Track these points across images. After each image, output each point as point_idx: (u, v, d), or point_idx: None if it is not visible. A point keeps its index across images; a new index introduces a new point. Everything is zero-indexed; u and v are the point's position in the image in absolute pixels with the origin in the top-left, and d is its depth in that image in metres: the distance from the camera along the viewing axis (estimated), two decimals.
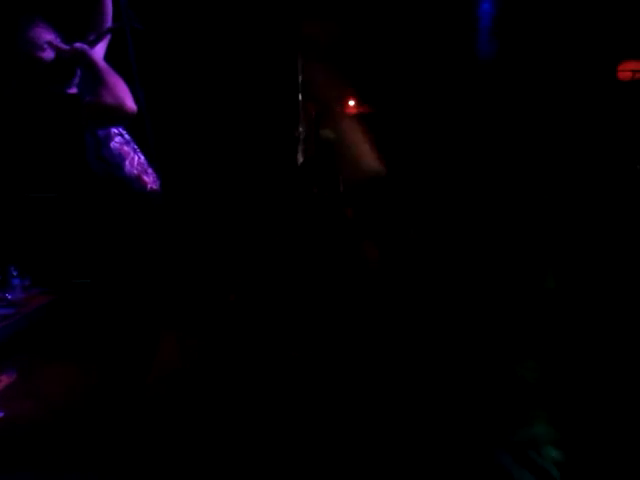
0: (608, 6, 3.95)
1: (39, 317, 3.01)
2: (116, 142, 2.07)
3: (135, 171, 2.10)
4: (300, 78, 4.46)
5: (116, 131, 2.09)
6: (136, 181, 2.09)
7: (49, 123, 1.97)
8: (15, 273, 3.23)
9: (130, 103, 1.93)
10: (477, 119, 4.45)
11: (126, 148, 2.11)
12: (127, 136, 2.18)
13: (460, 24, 4.54)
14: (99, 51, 2.08)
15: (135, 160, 2.12)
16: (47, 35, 1.99)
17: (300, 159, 4.56)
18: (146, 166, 2.17)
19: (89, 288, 2.21)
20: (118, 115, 1.94)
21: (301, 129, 4.59)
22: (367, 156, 4.19)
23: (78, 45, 1.98)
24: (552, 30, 4.10)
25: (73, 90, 2.07)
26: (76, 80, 2.06)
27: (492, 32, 4.36)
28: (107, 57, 2.15)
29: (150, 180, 2.15)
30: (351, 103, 4.78)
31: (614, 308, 3.14)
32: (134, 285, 2.13)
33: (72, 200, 2.17)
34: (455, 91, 4.61)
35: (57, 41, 2.00)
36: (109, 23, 2.12)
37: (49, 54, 1.98)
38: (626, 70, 4.11)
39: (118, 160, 2.05)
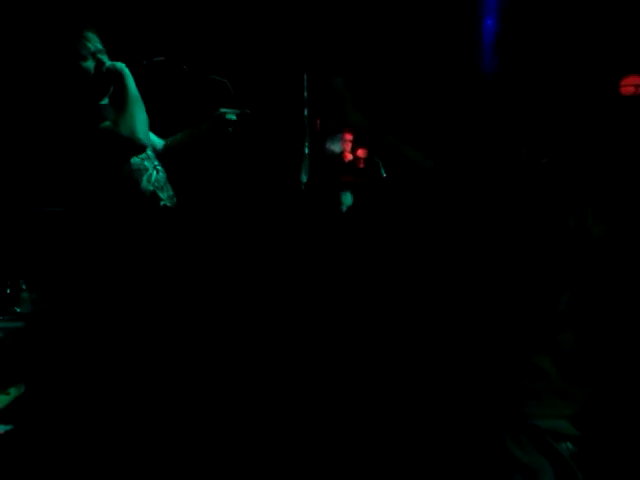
0: (610, 20, 3.98)
1: (46, 329, 3.05)
2: (137, 157, 2.09)
3: (151, 187, 2.11)
4: (306, 94, 4.50)
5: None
6: (150, 197, 2.10)
7: (74, 135, 1.99)
8: (24, 287, 3.28)
9: (144, 137, 1.96)
10: (481, 131, 4.47)
11: (146, 164, 2.13)
12: (150, 152, 2.19)
13: (464, 39, 4.57)
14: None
15: (153, 176, 2.14)
16: (94, 45, 2.02)
17: (306, 175, 4.59)
18: (163, 183, 2.18)
19: (96, 301, 2.24)
20: (129, 146, 1.97)
21: (307, 145, 4.63)
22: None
23: (120, 64, 2.01)
24: (554, 45, 4.13)
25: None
26: (106, 99, 2.08)
27: (495, 47, 4.40)
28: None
29: (165, 197, 2.17)
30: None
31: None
32: (139, 298, 2.15)
33: (82, 214, 2.20)
34: (460, 105, 4.65)
35: (101, 54, 2.03)
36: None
37: (90, 64, 2.00)
38: (628, 85, 4.14)
39: (136, 175, 2.07)
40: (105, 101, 2.10)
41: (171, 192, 2.24)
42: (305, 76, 4.65)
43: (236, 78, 4.02)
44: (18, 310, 3.16)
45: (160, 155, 2.33)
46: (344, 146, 5.01)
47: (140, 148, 1.98)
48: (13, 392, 2.68)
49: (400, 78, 4.66)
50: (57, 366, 2.84)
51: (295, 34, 4.48)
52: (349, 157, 5.01)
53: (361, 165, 4.96)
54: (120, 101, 1.99)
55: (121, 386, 2.18)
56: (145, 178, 2.10)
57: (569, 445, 1.66)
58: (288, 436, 2.33)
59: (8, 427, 2.41)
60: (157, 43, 3.82)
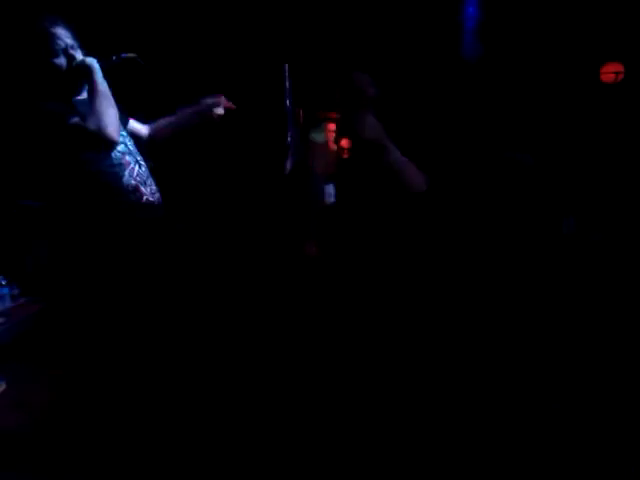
0: (590, 9, 4.00)
1: (28, 326, 3.03)
2: (118, 151, 2.06)
3: (133, 182, 2.08)
4: (287, 84, 4.48)
5: (119, 139, 2.07)
6: (133, 192, 2.07)
7: (45, 130, 1.96)
8: (4, 282, 3.24)
9: (112, 132, 1.93)
10: (464, 118, 4.49)
11: (127, 158, 2.10)
12: (131, 146, 2.16)
13: (446, 27, 4.57)
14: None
15: (135, 171, 2.11)
16: (65, 42, 1.98)
17: (289, 164, 4.57)
18: (145, 177, 2.15)
19: (78, 297, 2.21)
20: (97, 141, 1.94)
21: (290, 135, 4.61)
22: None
23: (89, 59, 1.98)
24: (535, 33, 4.14)
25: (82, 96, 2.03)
26: (82, 94, 2.05)
27: (477, 34, 4.40)
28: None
29: (147, 192, 2.14)
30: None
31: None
32: (122, 294, 2.13)
33: (63, 208, 2.17)
34: (442, 91, 4.66)
35: (73, 49, 1.99)
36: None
37: (62, 61, 1.97)
38: (609, 72, 4.16)
39: (117, 169, 2.04)
40: (79, 96, 2.07)
41: (154, 187, 2.21)
42: (286, 66, 4.62)
43: (219, 69, 4.01)
44: None
45: (145, 145, 2.30)
46: (327, 136, 5.00)
47: (109, 143, 1.95)
48: None
49: (384, 66, 4.65)
50: (39, 362, 2.83)
51: (276, 25, 4.45)
52: (333, 147, 5.00)
53: (345, 155, 4.95)
54: (89, 96, 1.96)
55: (110, 387, 2.17)
56: (127, 172, 2.07)
57: None
58: (289, 436, 2.34)
59: None
60: (135, 37, 3.79)
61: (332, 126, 4.88)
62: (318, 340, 2.56)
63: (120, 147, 2.08)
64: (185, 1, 4.03)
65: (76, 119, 1.92)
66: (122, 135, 2.14)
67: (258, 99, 4.43)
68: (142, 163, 2.18)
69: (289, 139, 4.90)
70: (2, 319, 3.00)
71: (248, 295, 3.49)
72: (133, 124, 2.32)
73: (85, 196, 2.04)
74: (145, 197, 2.11)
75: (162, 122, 2.40)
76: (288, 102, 4.70)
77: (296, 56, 4.43)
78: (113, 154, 2.03)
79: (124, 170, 2.05)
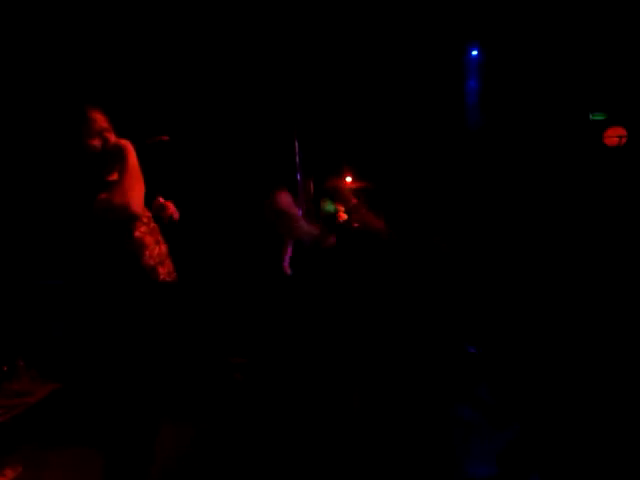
0: (589, 76, 4.13)
1: (44, 407, 3.02)
2: (140, 232, 2.10)
3: (152, 262, 2.12)
4: (297, 158, 4.61)
5: (144, 220, 2.13)
6: (150, 272, 2.10)
7: (73, 203, 2.03)
8: (22, 364, 3.26)
9: (137, 207, 2.00)
10: (468, 181, 4.59)
11: (149, 238, 2.14)
12: (153, 225, 2.21)
13: (450, 99, 4.74)
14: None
15: (155, 251, 2.15)
16: (102, 124, 2.10)
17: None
18: (164, 257, 2.19)
19: (93, 376, 2.22)
20: (119, 214, 2.00)
21: (300, 206, 4.69)
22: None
23: (123, 141, 2.08)
24: (534, 101, 4.28)
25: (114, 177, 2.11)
26: (113, 174, 2.13)
27: (478, 105, 4.55)
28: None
29: (164, 272, 2.17)
30: (348, 179, 4.92)
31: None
32: (137, 371, 2.13)
33: (81, 286, 2.20)
34: (447, 159, 4.78)
35: (107, 132, 2.10)
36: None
37: (98, 142, 2.07)
38: (612, 136, 4.25)
39: (138, 250, 2.07)
40: (111, 176, 2.16)
41: (171, 267, 2.24)
42: (296, 142, 4.78)
43: (231, 143, 4.15)
44: (16, 387, 3.12)
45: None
46: (338, 207, 5.10)
47: (132, 217, 2.02)
48: (9, 473, 2.62)
49: (391, 139, 4.80)
50: (57, 443, 2.81)
51: (286, 100, 4.63)
52: (343, 217, 5.09)
53: (355, 225, 5.03)
54: (119, 174, 2.04)
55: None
56: (147, 253, 2.11)
57: None
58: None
59: None
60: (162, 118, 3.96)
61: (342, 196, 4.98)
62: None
63: (142, 228, 2.13)
64: (202, 82, 4.22)
65: (105, 195, 1.98)
66: (146, 216, 2.19)
67: (270, 173, 4.55)
68: (162, 242, 2.22)
69: (301, 211, 4.99)
70: (19, 400, 3.00)
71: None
72: (158, 203, 2.38)
73: (103, 275, 2.07)
74: (162, 277, 2.14)
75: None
76: (299, 175, 4.82)
77: (306, 129, 4.58)
78: (136, 234, 2.08)
79: (144, 250, 2.09)
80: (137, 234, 2.09)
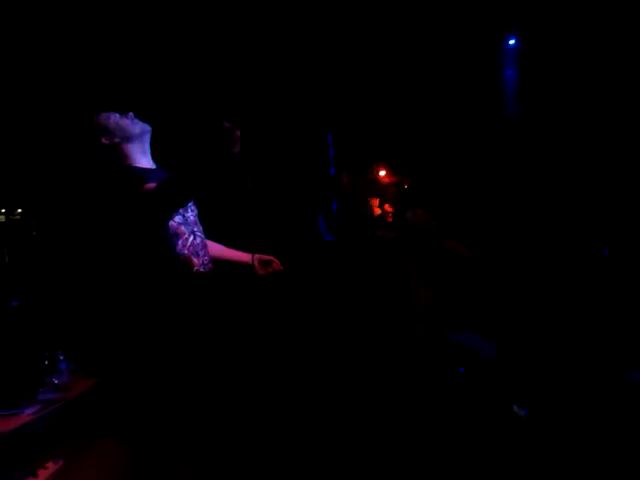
0: (632, 65, 4.00)
1: (84, 401, 3.06)
2: (174, 221, 2.10)
3: (186, 251, 2.11)
4: (331, 152, 4.57)
5: (179, 210, 2.13)
6: (184, 263, 2.09)
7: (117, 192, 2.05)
8: (62, 357, 3.31)
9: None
10: (505, 177, 4.52)
11: (183, 228, 2.13)
12: (191, 216, 2.21)
13: (487, 89, 4.65)
14: None
15: (188, 241, 2.14)
16: None
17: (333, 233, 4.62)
18: (199, 248, 2.18)
19: (130, 370, 2.23)
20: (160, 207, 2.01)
21: (335, 201, 4.66)
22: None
23: None
24: (570, 92, 4.18)
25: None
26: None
27: (516, 96, 4.46)
28: None
29: (198, 262, 2.16)
30: (382, 173, 4.86)
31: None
32: (171, 367, 2.13)
33: (114, 277, 2.21)
34: (484, 151, 4.70)
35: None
36: None
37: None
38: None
39: (172, 239, 2.07)
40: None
41: (207, 258, 2.23)
42: (330, 134, 4.74)
43: (264, 139, 4.14)
44: (56, 381, 3.17)
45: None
46: (372, 202, 5.05)
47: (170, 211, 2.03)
48: (51, 466, 2.66)
49: (427, 131, 4.74)
50: (98, 437, 2.84)
51: (320, 94, 4.60)
52: (378, 212, 5.04)
53: (389, 219, 4.98)
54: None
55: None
56: (180, 242, 2.10)
57: None
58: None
59: None
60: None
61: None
62: None
63: (177, 218, 2.12)
64: (232, 78, 4.22)
65: (152, 184, 1.98)
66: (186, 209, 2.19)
67: (304, 168, 4.53)
68: (198, 234, 2.21)
69: (334, 206, 4.96)
70: (60, 394, 3.04)
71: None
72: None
73: (136, 263, 2.07)
74: (196, 268, 2.12)
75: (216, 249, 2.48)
76: (332, 169, 4.78)
77: (340, 123, 4.54)
78: (170, 223, 2.07)
79: (177, 240, 2.08)
80: (171, 223, 2.08)
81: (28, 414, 2.74)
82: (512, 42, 4.41)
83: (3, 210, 3.49)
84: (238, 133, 1.76)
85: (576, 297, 3.57)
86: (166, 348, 2.07)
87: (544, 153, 4.28)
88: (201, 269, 2.15)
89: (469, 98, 4.58)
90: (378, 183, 4.89)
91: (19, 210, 3.64)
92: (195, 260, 2.13)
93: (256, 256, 2.52)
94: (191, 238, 2.14)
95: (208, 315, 2.15)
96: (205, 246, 2.23)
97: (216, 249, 2.47)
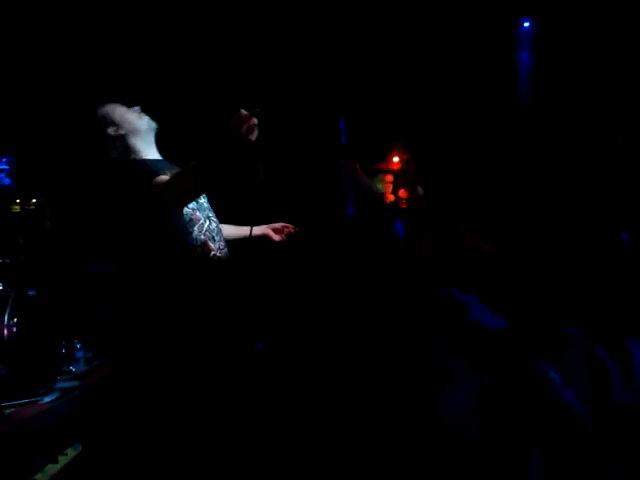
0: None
1: (102, 389, 3.09)
2: (188, 207, 2.10)
3: (202, 237, 2.11)
4: (344, 138, 4.55)
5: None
6: (200, 247, 2.09)
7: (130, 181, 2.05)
8: (78, 345, 3.34)
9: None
10: (519, 162, 4.47)
11: (198, 214, 2.13)
12: (204, 202, 2.21)
13: (501, 72, 4.60)
14: None
15: (204, 227, 2.14)
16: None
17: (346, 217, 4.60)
18: (215, 233, 2.17)
19: (146, 358, 2.23)
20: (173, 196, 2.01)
21: (347, 188, 4.64)
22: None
23: None
24: (586, 75, 4.12)
25: None
26: None
27: (531, 78, 4.41)
28: None
29: (215, 247, 2.15)
30: (395, 159, 4.83)
31: None
32: (187, 354, 2.13)
33: (131, 263, 2.22)
34: (498, 135, 4.65)
35: None
36: None
37: None
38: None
39: (187, 225, 2.07)
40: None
41: (223, 243, 2.23)
42: (342, 121, 4.70)
43: (273, 124, 4.11)
44: (73, 369, 3.19)
45: None
46: (385, 188, 5.02)
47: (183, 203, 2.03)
48: (70, 452, 2.69)
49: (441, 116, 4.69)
50: (115, 425, 2.86)
51: (332, 80, 4.56)
52: (390, 198, 5.01)
53: (403, 205, 4.95)
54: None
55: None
56: (196, 228, 2.10)
57: None
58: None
59: None
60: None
61: (389, 177, 4.92)
62: None
63: (191, 204, 2.12)
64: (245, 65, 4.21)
65: (164, 176, 1.99)
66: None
67: (315, 154, 4.51)
68: (213, 219, 2.21)
69: (346, 191, 4.93)
70: (77, 382, 3.07)
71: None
72: None
73: (152, 250, 2.08)
74: (212, 253, 2.13)
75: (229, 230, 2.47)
76: (344, 156, 4.75)
77: (352, 110, 4.51)
78: (185, 210, 2.07)
79: (193, 226, 2.08)
80: (185, 210, 2.09)
81: (46, 402, 2.77)
82: (527, 24, 4.36)
83: (18, 200, 3.51)
84: (255, 121, 1.75)
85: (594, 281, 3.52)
86: (183, 335, 2.07)
87: (558, 136, 4.23)
88: (218, 254, 2.15)
89: (483, 82, 4.54)
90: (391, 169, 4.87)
91: (34, 200, 3.66)
92: (212, 245, 2.13)
93: (266, 226, 2.52)
94: (207, 223, 2.15)
95: (225, 301, 2.16)
96: (220, 231, 2.23)
97: (227, 230, 2.46)
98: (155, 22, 4.04)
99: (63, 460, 2.62)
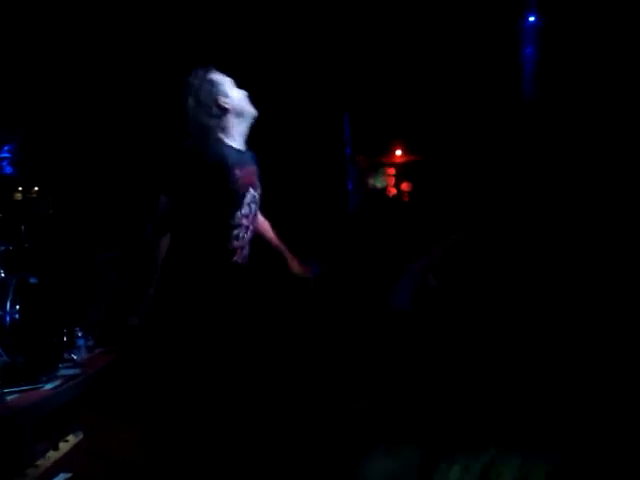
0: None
1: (102, 376, 3.10)
2: (242, 213, 2.08)
3: (236, 243, 2.09)
4: (347, 132, 4.56)
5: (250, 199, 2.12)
6: (231, 254, 2.09)
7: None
8: (80, 334, 3.35)
9: None
10: (523, 156, 4.46)
11: (244, 222, 2.11)
12: (254, 210, 2.18)
13: (506, 68, 4.59)
14: None
15: (240, 235, 2.12)
16: None
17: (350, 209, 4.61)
18: (245, 243, 2.16)
19: (150, 348, 2.24)
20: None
21: (350, 181, 4.66)
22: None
23: None
24: (590, 71, 4.11)
25: None
26: None
27: (535, 74, 4.39)
28: None
29: (241, 255, 2.15)
30: (398, 153, 4.85)
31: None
32: (196, 348, 2.13)
33: (130, 258, 2.21)
34: (502, 130, 4.64)
35: None
36: None
37: None
38: None
39: (230, 230, 2.05)
40: None
41: (246, 254, 2.22)
42: (346, 115, 4.71)
43: (280, 116, 4.11)
44: (75, 357, 3.20)
45: None
46: (388, 181, 5.03)
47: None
48: (72, 439, 2.70)
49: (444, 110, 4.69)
50: (117, 411, 2.87)
51: (335, 74, 4.56)
52: (393, 191, 5.02)
53: (405, 199, 4.96)
54: None
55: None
56: (235, 234, 2.09)
57: None
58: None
59: (68, 474, 2.42)
60: None
61: (392, 171, 4.93)
62: None
63: (244, 209, 2.10)
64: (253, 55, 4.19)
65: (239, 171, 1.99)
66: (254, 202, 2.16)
67: (319, 147, 4.51)
68: (250, 231, 2.19)
69: (350, 185, 4.94)
70: (79, 370, 3.08)
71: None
72: None
73: (190, 244, 2.07)
74: (235, 259, 2.12)
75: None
76: (348, 149, 4.76)
77: (356, 104, 4.51)
78: (237, 213, 2.05)
79: (234, 231, 2.07)
80: (238, 213, 2.07)
81: (49, 389, 2.79)
82: (532, 19, 4.35)
83: (20, 188, 3.51)
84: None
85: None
86: (196, 329, 2.07)
87: (562, 132, 4.22)
88: (239, 260, 2.14)
89: (487, 77, 4.53)
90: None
91: (36, 188, 3.66)
92: (239, 253, 2.12)
93: (295, 259, 2.47)
94: (243, 233, 2.12)
95: (237, 304, 2.15)
96: (248, 244, 2.20)
97: (265, 228, 2.43)
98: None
99: (64, 447, 2.63)
